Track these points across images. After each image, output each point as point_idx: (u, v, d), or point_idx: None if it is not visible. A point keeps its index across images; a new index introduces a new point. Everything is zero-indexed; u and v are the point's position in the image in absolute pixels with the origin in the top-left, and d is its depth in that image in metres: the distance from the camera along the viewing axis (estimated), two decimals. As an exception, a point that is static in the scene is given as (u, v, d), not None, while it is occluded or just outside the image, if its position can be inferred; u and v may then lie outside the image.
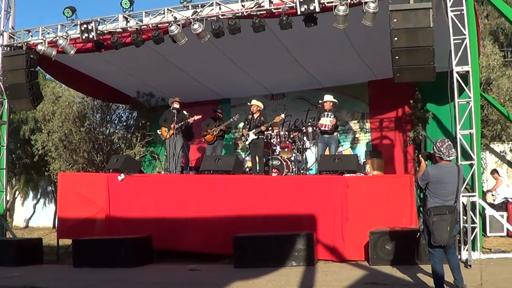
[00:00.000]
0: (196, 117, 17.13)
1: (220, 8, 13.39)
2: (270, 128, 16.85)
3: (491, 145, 19.60)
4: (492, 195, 17.66)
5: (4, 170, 16.34)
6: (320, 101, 16.13)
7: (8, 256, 13.63)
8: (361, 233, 12.01)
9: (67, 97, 21.95)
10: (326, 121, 15.54)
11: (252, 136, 16.28)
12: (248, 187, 13.92)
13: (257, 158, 16.51)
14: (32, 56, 14.96)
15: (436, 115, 16.21)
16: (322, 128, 15.55)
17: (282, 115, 17.02)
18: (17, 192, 28.43)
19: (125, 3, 13.99)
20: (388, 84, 15.06)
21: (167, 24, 13.72)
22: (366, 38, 14.31)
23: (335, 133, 15.74)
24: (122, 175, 14.72)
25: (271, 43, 15.15)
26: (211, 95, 20.24)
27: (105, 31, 14.40)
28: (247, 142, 16.58)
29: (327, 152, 15.64)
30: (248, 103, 16.96)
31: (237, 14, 13.23)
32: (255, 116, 16.52)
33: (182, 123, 16.78)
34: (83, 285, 11.00)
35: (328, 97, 15.97)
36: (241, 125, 19.15)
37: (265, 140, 16.76)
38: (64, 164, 20.92)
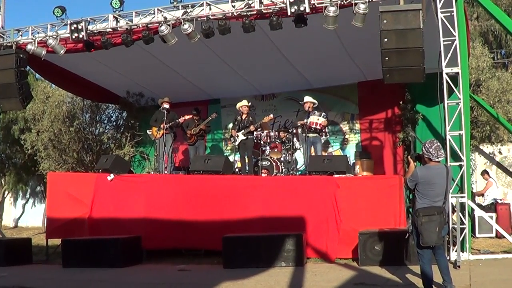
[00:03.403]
0: (187, 117, 17.16)
1: (210, 9, 13.36)
2: (259, 129, 16.89)
3: (481, 147, 19.63)
4: (482, 195, 17.71)
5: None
6: (300, 102, 16.30)
7: (-3, 256, 13.60)
8: (351, 233, 12.05)
9: (57, 97, 21.87)
10: (318, 120, 15.63)
11: (241, 136, 16.31)
12: (238, 187, 13.95)
13: (246, 159, 16.54)
14: (21, 55, 14.88)
15: (425, 116, 16.26)
16: (314, 126, 15.62)
17: (271, 115, 17.10)
18: (6, 192, 28.31)
19: (115, 3, 13.95)
20: (378, 85, 15.20)
21: (157, 24, 13.69)
22: (356, 39, 14.31)
23: (321, 134, 15.86)
24: (112, 175, 14.70)
25: (262, 43, 15.16)
26: (201, 95, 20.23)
27: (95, 31, 14.33)
28: (236, 143, 16.63)
29: (313, 152, 15.70)
30: (237, 107, 17.05)
31: (227, 15, 13.22)
32: (243, 117, 16.55)
33: (172, 123, 16.79)
34: (72, 285, 11.00)
35: (308, 98, 16.19)
36: (230, 125, 19.18)
37: (255, 140, 16.83)
38: (53, 164, 20.86)
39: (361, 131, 18.82)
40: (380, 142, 18.25)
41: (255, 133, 16.72)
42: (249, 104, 16.97)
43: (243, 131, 16.34)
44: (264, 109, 19.71)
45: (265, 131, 17.27)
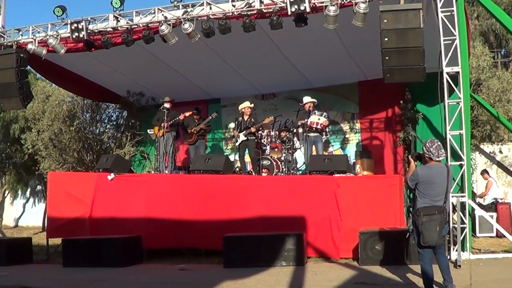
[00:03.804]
0: (187, 114, 17.15)
1: (210, 8, 13.36)
2: (260, 129, 16.90)
3: (481, 146, 19.65)
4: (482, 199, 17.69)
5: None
6: (300, 104, 16.26)
7: (-3, 255, 13.60)
8: (351, 233, 12.06)
9: (57, 96, 21.88)
10: (318, 120, 15.62)
11: (242, 137, 16.31)
12: (238, 187, 13.95)
13: (246, 159, 16.60)
14: (22, 55, 14.87)
15: (426, 115, 16.24)
16: (314, 126, 15.59)
17: (271, 117, 17.17)
18: (6, 191, 28.32)
19: (116, 3, 13.94)
20: (378, 84, 15.16)
21: (158, 24, 13.69)
22: (356, 39, 14.30)
23: (322, 133, 15.85)
24: (112, 175, 14.71)
25: (262, 42, 15.15)
26: (202, 95, 20.22)
27: (96, 31, 14.33)
28: (237, 144, 16.65)
29: (314, 151, 15.70)
30: (239, 108, 17.08)
31: (227, 14, 13.22)
32: (245, 118, 16.57)
33: (172, 121, 16.79)
34: (73, 285, 10.98)
35: (307, 99, 16.16)
36: (231, 125, 19.22)
37: (256, 140, 16.81)
38: (54, 164, 20.87)
39: (362, 130, 18.80)
40: (381, 141, 18.24)
41: (256, 133, 16.74)
42: (252, 105, 16.94)
43: (244, 132, 16.34)
44: (265, 109, 19.71)
45: (266, 131, 17.29)
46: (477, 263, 11.16)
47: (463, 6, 12.50)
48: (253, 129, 16.37)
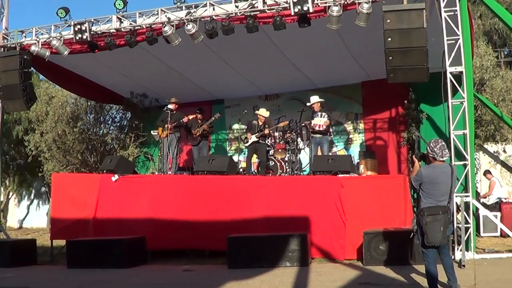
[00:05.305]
0: (191, 116, 17.13)
1: (213, 9, 13.37)
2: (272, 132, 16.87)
3: (485, 146, 19.63)
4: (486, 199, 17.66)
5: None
6: (308, 104, 16.21)
7: (2, 257, 13.54)
8: (355, 233, 12.04)
9: (60, 98, 21.89)
10: (320, 121, 15.60)
11: (253, 138, 16.29)
12: (242, 187, 13.94)
13: (253, 159, 16.60)
14: (25, 57, 14.91)
15: (429, 115, 16.24)
16: (317, 128, 15.57)
17: (286, 122, 17.39)
18: (10, 193, 28.34)
19: (119, 4, 13.96)
20: (381, 84, 15.13)
21: (161, 25, 13.70)
22: (360, 39, 14.29)
23: (327, 134, 15.81)
24: (116, 176, 14.70)
25: (265, 43, 15.15)
26: (205, 96, 20.23)
27: (99, 32, 14.36)
28: (246, 144, 16.63)
29: (319, 152, 15.68)
30: (257, 112, 17.09)
31: (230, 15, 13.22)
32: (260, 123, 16.58)
33: (175, 123, 16.77)
34: (77, 286, 10.98)
35: (315, 98, 16.11)
36: (235, 126, 19.26)
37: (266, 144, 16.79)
38: (57, 165, 20.88)
39: (365, 130, 18.80)
40: (384, 141, 18.23)
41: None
42: (267, 115, 16.90)
43: (256, 134, 16.30)
44: (268, 109, 19.62)
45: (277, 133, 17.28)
46: (482, 263, 11.15)
47: (466, 5, 12.49)
48: (266, 131, 16.36)
